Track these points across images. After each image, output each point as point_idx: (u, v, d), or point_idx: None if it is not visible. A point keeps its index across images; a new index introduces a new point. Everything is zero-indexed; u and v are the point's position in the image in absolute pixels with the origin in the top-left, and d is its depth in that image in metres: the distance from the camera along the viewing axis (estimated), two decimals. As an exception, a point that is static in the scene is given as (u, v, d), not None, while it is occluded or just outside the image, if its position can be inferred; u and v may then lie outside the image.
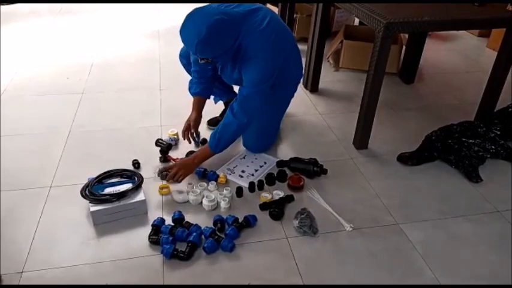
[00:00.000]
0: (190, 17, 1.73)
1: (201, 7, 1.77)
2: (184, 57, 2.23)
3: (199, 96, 2.16)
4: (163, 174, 1.89)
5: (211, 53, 1.75)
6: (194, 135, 2.18)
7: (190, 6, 1.85)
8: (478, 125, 2.23)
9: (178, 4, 4.50)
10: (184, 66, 2.28)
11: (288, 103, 2.27)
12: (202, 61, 1.81)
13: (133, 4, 4.57)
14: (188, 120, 2.15)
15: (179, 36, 2.11)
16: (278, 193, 1.87)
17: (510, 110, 2.31)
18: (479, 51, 3.79)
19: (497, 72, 2.31)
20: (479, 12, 2.19)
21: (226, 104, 2.41)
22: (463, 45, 3.90)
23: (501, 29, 2.23)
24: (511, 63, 2.27)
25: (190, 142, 2.14)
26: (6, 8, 4.31)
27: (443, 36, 4.02)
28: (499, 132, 2.22)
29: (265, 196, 1.84)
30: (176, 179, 1.89)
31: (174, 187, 1.90)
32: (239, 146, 2.21)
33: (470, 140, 2.15)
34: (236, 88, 2.44)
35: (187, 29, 1.73)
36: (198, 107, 2.17)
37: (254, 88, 1.88)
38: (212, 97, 2.35)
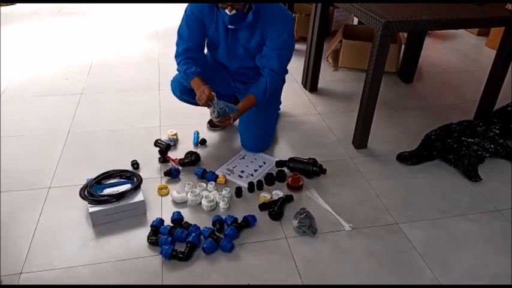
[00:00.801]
0: None
1: None
2: (184, 94, 2.13)
3: (201, 75, 1.98)
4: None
5: None
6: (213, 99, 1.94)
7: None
8: (477, 124, 2.23)
9: (177, 4, 4.50)
10: (188, 102, 2.19)
11: (280, 95, 2.33)
12: (233, 11, 1.82)
13: (133, 5, 4.57)
14: (202, 90, 1.92)
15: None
16: (277, 193, 1.87)
17: (509, 108, 2.31)
18: (478, 50, 3.79)
19: (496, 71, 2.31)
20: (478, 11, 2.19)
21: None
22: (462, 44, 3.90)
23: (500, 27, 2.24)
24: (510, 62, 2.27)
25: (210, 106, 1.94)
26: (6, 8, 4.31)
27: (442, 36, 4.02)
28: (498, 131, 2.22)
29: (265, 196, 1.84)
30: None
31: (173, 188, 1.90)
32: (238, 146, 2.21)
33: (470, 139, 2.15)
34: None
35: None
36: (204, 83, 1.96)
37: (282, 50, 1.99)
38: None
